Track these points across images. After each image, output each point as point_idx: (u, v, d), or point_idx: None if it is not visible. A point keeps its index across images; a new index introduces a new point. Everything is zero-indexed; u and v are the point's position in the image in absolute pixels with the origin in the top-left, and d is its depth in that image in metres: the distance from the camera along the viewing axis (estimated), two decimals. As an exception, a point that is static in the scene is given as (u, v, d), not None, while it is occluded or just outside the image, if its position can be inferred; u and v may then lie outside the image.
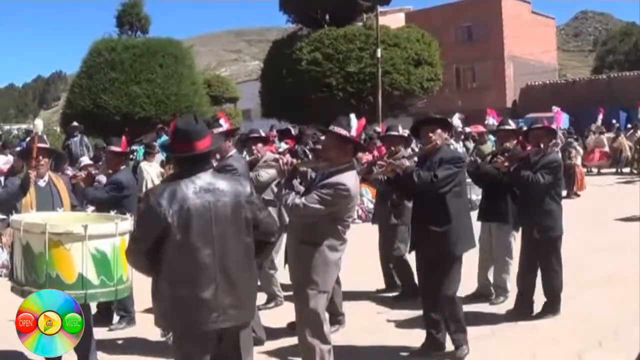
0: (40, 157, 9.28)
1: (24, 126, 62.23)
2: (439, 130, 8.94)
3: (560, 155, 14.17)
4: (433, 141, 8.84)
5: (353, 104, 39.94)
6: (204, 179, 5.84)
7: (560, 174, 10.78)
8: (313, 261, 7.55)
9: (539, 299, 10.63)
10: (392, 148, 11.51)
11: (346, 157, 7.77)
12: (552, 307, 10.56)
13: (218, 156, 9.77)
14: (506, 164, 10.54)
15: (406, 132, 12.31)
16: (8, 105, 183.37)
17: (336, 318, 10.19)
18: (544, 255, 10.54)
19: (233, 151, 10.05)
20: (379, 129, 29.92)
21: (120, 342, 10.20)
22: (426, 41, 45.30)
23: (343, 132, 7.70)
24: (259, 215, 6.13)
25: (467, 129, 25.35)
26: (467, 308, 9.70)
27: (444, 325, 8.85)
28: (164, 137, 27.09)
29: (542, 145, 10.71)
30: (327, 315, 7.90)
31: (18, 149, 22.36)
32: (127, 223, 7.47)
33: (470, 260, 10.13)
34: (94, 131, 34.99)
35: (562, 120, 26.85)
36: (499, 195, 11.25)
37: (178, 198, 5.67)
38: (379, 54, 40.19)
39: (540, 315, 10.51)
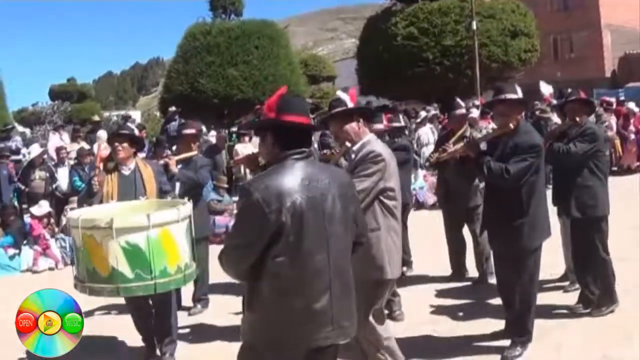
0: (117, 144, 8.93)
1: (122, 112, 62.81)
2: (514, 113, 8.24)
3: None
4: (507, 124, 8.16)
5: (451, 77, 39.65)
6: (304, 167, 4.94)
7: (598, 146, 9.71)
8: (375, 249, 6.96)
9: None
10: (453, 129, 11.31)
11: (360, 130, 7.22)
12: (606, 298, 9.68)
13: None
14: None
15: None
16: (107, 93, 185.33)
17: (391, 299, 9.96)
18: (585, 240, 9.68)
19: None
20: (477, 102, 29.67)
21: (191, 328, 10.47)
22: (522, 12, 44.39)
23: (339, 108, 7.29)
24: (359, 210, 5.48)
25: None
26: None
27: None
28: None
29: (578, 119, 9.84)
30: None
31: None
32: (163, 214, 6.97)
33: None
34: (193, 114, 35.24)
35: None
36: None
37: (286, 192, 4.79)
38: (474, 26, 39.61)
39: (597, 311, 9.61)
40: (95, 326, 9.85)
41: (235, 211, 5.01)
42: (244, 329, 5.04)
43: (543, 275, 9.78)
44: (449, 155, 8.99)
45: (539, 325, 8.76)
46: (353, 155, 7.22)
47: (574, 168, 9.62)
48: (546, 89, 11.42)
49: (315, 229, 4.85)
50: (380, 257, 6.99)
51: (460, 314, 10.21)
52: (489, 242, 8.94)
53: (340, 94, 7.49)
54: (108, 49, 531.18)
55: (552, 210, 10.08)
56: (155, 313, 8.93)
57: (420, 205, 20.58)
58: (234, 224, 5.17)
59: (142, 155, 13.09)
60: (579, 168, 9.59)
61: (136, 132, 8.96)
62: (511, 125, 8.08)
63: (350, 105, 7.30)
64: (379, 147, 7.16)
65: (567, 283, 11.02)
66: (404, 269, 12.61)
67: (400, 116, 17.75)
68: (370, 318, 7.06)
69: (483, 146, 8.59)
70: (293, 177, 4.85)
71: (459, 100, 12.82)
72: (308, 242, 4.82)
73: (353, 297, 5.17)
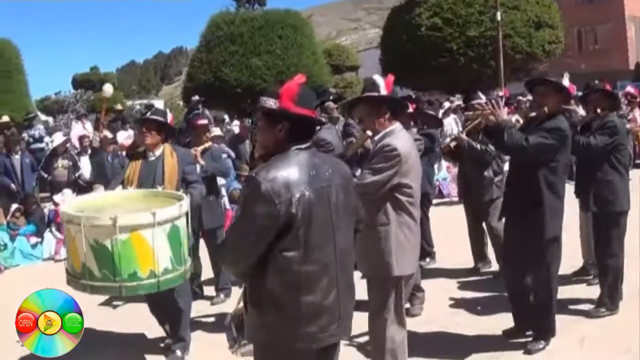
0: (144, 129, 8.74)
1: (144, 101, 63.05)
2: (551, 97, 8.09)
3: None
4: (542, 106, 8.07)
5: (475, 68, 39.57)
6: (308, 158, 4.88)
7: (620, 139, 9.50)
8: (383, 244, 6.79)
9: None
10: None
11: (384, 119, 6.98)
12: (609, 300, 9.46)
13: None
14: None
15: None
16: (130, 82, 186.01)
17: (414, 294, 9.96)
18: (602, 234, 9.53)
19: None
20: (502, 94, 29.52)
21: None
22: (546, 3, 44.15)
23: (371, 93, 7.06)
24: (359, 202, 5.41)
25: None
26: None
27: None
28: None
29: (599, 111, 9.67)
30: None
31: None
32: (137, 217, 6.73)
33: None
34: (216, 104, 35.44)
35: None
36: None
37: (295, 183, 4.70)
38: (498, 17, 39.48)
39: (596, 311, 9.44)
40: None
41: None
42: (253, 328, 4.91)
43: (564, 268, 9.76)
44: (475, 118, 8.93)
45: (562, 319, 8.72)
46: (372, 145, 7.08)
47: (595, 161, 9.46)
48: (567, 80, 11.31)
49: (323, 221, 4.80)
50: (388, 253, 6.79)
51: (480, 307, 10.17)
52: (506, 231, 8.67)
53: (377, 78, 7.26)
54: (131, 38, 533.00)
55: (575, 202, 10.13)
56: (158, 308, 8.90)
57: (443, 197, 20.51)
58: (239, 215, 4.95)
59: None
60: (600, 161, 9.43)
61: (168, 118, 8.74)
62: (545, 109, 7.99)
63: (384, 92, 7.06)
64: (401, 140, 6.87)
65: (590, 276, 10.92)
66: (427, 260, 12.64)
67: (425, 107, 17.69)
68: (387, 316, 6.89)
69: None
70: (300, 168, 4.77)
71: (480, 93, 12.77)
72: (317, 235, 4.77)
73: (354, 294, 5.13)
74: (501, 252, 9.05)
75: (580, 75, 29.26)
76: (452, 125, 24.29)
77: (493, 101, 8.30)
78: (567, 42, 48.81)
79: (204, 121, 11.35)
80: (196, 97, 26.82)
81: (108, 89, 21.79)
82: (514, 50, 41.46)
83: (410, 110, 10.80)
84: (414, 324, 8.95)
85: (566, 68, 27.70)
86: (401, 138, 6.90)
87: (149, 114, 8.82)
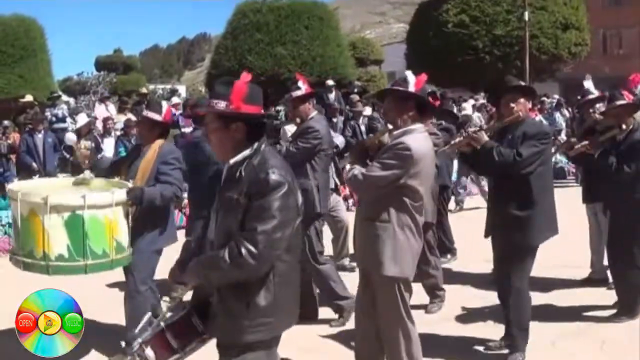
0: (140, 127, 8.84)
1: (168, 86, 63.01)
2: (522, 100, 7.84)
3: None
4: (515, 112, 7.76)
5: (500, 67, 39.51)
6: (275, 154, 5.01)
7: None
8: (380, 242, 6.67)
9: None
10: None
11: (407, 116, 6.80)
12: (627, 308, 9.34)
13: (298, 120, 9.42)
14: (593, 149, 9.48)
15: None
16: (152, 66, 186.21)
17: (435, 293, 9.98)
18: (624, 244, 9.28)
19: (314, 113, 9.48)
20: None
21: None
22: (574, 5, 44.11)
23: (399, 87, 6.91)
24: None
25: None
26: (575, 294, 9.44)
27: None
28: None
29: (624, 126, 9.32)
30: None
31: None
32: (28, 195, 6.88)
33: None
34: (240, 91, 35.50)
35: None
36: (602, 173, 9.66)
37: (293, 176, 4.86)
38: (526, 17, 39.37)
39: (616, 317, 9.33)
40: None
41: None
42: (246, 329, 4.77)
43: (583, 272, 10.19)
44: (452, 149, 8.37)
45: (583, 321, 8.81)
46: (390, 140, 6.88)
47: (626, 181, 9.21)
48: (589, 84, 11.10)
49: (299, 220, 4.91)
50: (382, 252, 6.65)
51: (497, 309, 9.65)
52: (493, 243, 8.27)
53: (408, 74, 7.18)
54: (155, 23, 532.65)
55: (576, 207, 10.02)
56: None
57: (467, 194, 20.42)
58: (273, 217, 4.63)
59: (188, 129, 12.96)
60: (631, 183, 9.18)
61: (162, 114, 8.52)
62: (520, 114, 7.76)
63: (412, 89, 6.88)
64: (418, 142, 6.66)
65: (603, 285, 10.79)
66: (448, 256, 12.61)
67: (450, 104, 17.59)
68: (396, 314, 6.79)
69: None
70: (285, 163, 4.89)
71: (585, 84, 12.39)
72: (296, 236, 4.92)
73: None
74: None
75: (603, 79, 29.16)
76: (475, 123, 24.27)
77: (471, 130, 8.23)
78: (592, 45, 48.67)
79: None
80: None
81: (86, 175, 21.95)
82: (539, 50, 41.44)
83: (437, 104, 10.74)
84: (429, 322, 9.03)
85: (590, 71, 27.65)
86: (419, 139, 6.71)
87: (144, 111, 8.74)
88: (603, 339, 8.73)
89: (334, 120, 23.35)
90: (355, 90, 29.71)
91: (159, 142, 8.44)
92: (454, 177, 17.06)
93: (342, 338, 8.78)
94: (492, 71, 38.79)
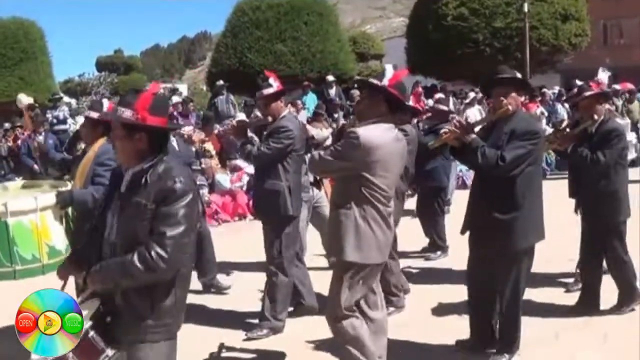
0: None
1: (169, 85, 63.24)
2: (513, 94, 7.64)
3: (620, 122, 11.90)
4: (505, 106, 7.56)
5: (500, 59, 39.34)
6: None
7: (622, 146, 9.19)
8: (342, 227, 6.69)
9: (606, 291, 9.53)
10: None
11: (377, 110, 6.77)
12: (629, 298, 9.35)
13: (270, 119, 9.18)
14: (563, 144, 9.35)
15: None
16: (154, 66, 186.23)
17: (388, 297, 9.31)
18: (607, 243, 9.25)
19: (285, 111, 9.32)
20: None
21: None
22: (572, -5, 44.01)
23: (374, 81, 6.86)
24: None
25: (616, 87, 24.70)
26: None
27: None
28: (310, 95, 27.34)
29: (595, 117, 9.17)
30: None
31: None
32: None
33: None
34: (241, 89, 35.58)
35: None
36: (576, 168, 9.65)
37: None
38: (525, 9, 39.28)
39: (617, 310, 9.30)
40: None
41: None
42: (150, 328, 4.91)
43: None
44: (440, 142, 8.18)
45: (585, 315, 8.83)
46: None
47: (600, 173, 9.12)
48: (604, 75, 10.91)
49: None
50: (344, 237, 6.66)
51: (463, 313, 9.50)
52: (470, 245, 8.12)
53: (388, 69, 7.20)
54: (155, 22, 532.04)
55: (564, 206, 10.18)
56: None
57: (467, 187, 20.41)
58: (180, 223, 4.81)
59: (189, 128, 12.89)
60: (605, 172, 9.10)
61: (93, 114, 8.34)
62: (509, 108, 7.55)
63: (385, 84, 6.81)
64: (372, 132, 6.62)
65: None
66: (437, 253, 12.67)
67: (450, 97, 17.56)
68: (342, 301, 6.77)
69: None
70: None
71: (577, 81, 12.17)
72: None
73: None
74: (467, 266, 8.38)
75: (605, 69, 29.04)
76: (476, 116, 24.24)
77: (460, 121, 8.14)
78: (593, 36, 48.49)
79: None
80: (221, 82, 26.86)
81: (22, 98, 21.99)
82: (539, 42, 41.31)
83: (412, 104, 10.51)
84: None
85: (591, 62, 27.74)
86: (374, 130, 6.66)
87: (86, 111, 8.64)
88: (606, 332, 8.70)
89: (335, 115, 23.40)
90: (356, 85, 29.78)
91: (99, 142, 8.26)
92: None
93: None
94: (493, 63, 38.49)
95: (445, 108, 13.53)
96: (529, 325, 8.38)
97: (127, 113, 4.86)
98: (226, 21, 42.00)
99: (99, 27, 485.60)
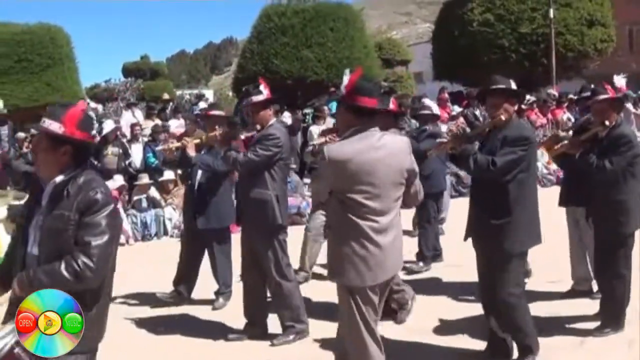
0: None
1: (195, 91, 63.28)
2: (505, 105, 7.71)
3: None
4: (497, 116, 7.71)
5: (526, 65, 39.40)
6: None
7: (632, 153, 8.79)
8: (328, 248, 6.71)
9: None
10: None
11: (346, 122, 6.51)
12: (612, 320, 9.02)
13: (259, 126, 9.18)
14: (572, 150, 9.17)
15: None
16: (180, 71, 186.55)
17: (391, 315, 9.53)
18: (609, 255, 8.97)
19: (273, 120, 9.35)
20: (554, 92, 29.25)
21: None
22: (599, 1, 43.53)
23: (338, 90, 6.76)
24: None
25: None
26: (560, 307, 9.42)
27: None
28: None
29: (607, 123, 8.89)
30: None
31: (195, 113, 22.86)
32: None
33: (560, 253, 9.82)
34: (267, 95, 35.57)
35: None
36: (585, 175, 9.21)
37: None
38: (551, 14, 39.31)
39: (600, 330, 9.02)
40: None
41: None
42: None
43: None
44: (438, 151, 8.62)
45: (566, 336, 8.86)
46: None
47: (608, 181, 8.89)
48: (622, 81, 10.78)
49: None
50: (330, 258, 6.63)
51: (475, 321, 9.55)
52: (476, 250, 8.15)
53: (345, 75, 7.13)
54: (181, 28, 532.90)
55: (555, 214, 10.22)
56: None
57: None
58: (104, 232, 4.96)
59: (176, 126, 12.96)
60: (613, 181, 8.88)
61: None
62: (502, 117, 7.66)
63: (342, 93, 6.73)
64: (343, 149, 6.31)
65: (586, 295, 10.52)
66: (420, 264, 12.85)
67: (476, 104, 17.51)
68: (342, 323, 6.68)
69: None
70: None
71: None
72: None
73: None
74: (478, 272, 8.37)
75: (631, 75, 28.91)
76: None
77: (453, 131, 8.23)
78: (619, 41, 48.23)
79: (216, 112, 11.22)
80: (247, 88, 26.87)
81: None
82: (565, 48, 41.14)
83: (393, 108, 10.28)
84: (397, 333, 9.16)
85: (617, 67, 27.60)
86: (344, 145, 6.38)
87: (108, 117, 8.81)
88: (631, 339, 8.71)
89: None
90: (382, 91, 29.70)
91: None
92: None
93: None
94: (518, 70, 38.62)
95: (429, 112, 13.53)
96: (554, 330, 8.44)
97: (54, 125, 4.98)
98: (252, 27, 41.94)
99: (125, 33, 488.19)
